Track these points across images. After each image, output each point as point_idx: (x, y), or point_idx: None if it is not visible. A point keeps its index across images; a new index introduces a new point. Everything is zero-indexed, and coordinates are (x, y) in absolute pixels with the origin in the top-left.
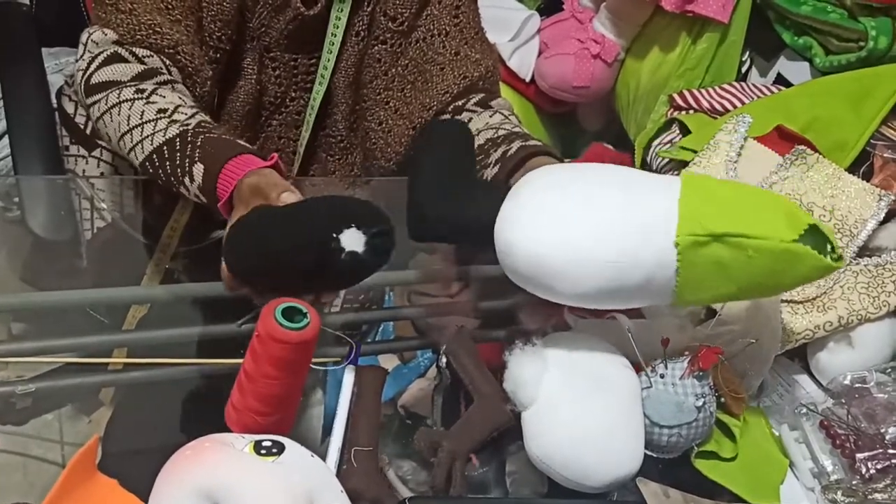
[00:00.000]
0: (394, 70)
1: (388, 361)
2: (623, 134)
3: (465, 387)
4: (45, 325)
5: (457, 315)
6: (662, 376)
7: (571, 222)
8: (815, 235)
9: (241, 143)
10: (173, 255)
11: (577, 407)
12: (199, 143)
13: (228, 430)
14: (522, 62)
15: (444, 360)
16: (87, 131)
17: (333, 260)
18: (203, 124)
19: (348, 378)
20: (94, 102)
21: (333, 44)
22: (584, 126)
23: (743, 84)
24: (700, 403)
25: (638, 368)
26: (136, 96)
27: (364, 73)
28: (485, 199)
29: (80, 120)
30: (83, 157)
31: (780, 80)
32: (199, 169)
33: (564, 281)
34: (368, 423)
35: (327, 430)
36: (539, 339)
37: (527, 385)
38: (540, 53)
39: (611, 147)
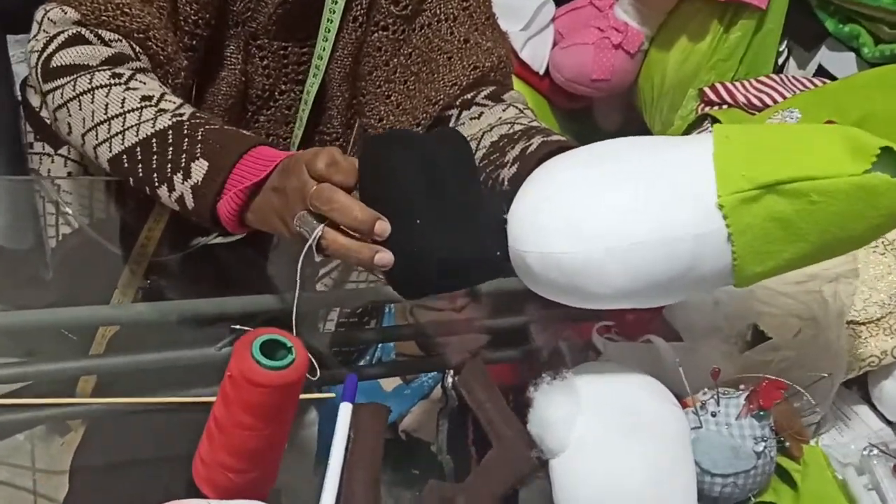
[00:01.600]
0: (395, 60)
1: (390, 380)
2: (642, 132)
3: (482, 427)
4: (2, 344)
5: (464, 332)
6: (714, 415)
7: (585, 206)
8: (891, 161)
9: (251, 134)
10: (149, 265)
11: (617, 454)
12: (198, 136)
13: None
14: (536, 53)
15: (450, 380)
16: (55, 126)
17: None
18: (198, 115)
19: (344, 417)
20: (56, 88)
21: (329, 30)
22: (600, 123)
23: (783, 76)
24: (760, 448)
25: (683, 404)
26: (112, 81)
27: (362, 63)
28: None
29: (45, 113)
30: (48, 155)
31: (821, 73)
32: (199, 165)
33: (590, 278)
34: (366, 476)
35: (323, 457)
36: (569, 371)
37: (557, 428)
38: (555, 44)
39: None
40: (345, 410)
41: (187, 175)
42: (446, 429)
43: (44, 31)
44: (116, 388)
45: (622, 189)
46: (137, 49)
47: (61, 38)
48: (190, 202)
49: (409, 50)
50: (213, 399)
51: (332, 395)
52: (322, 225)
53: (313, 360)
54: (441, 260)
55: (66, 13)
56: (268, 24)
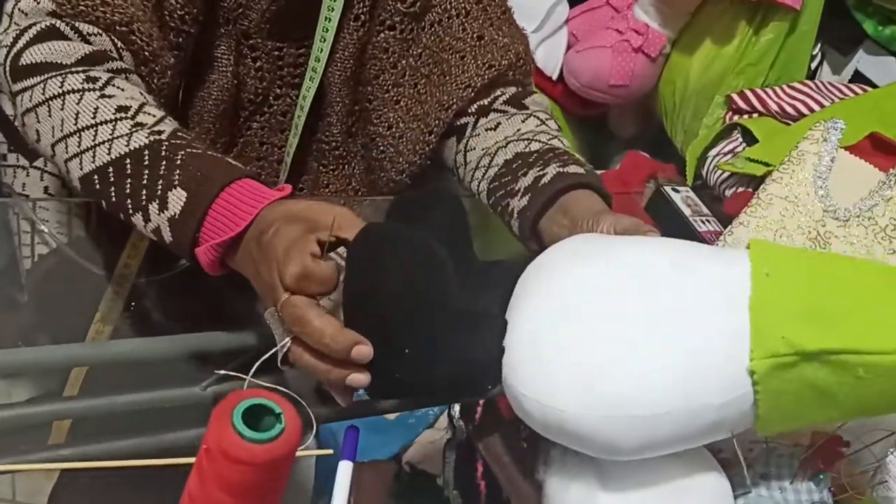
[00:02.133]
0: (404, 62)
1: None
2: (660, 141)
3: (502, 488)
4: None
5: None
6: (764, 477)
7: (604, 360)
8: None
9: (237, 164)
10: (132, 286)
11: None
12: (177, 161)
13: None
14: (549, 57)
15: (456, 409)
16: None
17: None
18: (179, 133)
19: (343, 477)
20: (25, 90)
21: (328, 30)
22: (616, 132)
23: (818, 82)
24: None
25: (726, 465)
26: (86, 86)
27: (368, 66)
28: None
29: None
30: (23, 167)
31: (858, 78)
32: (177, 196)
33: (597, 442)
34: None
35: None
36: None
37: None
38: (569, 47)
39: (647, 156)
40: (345, 471)
41: (164, 206)
42: (453, 461)
43: (14, 23)
44: (92, 428)
45: (649, 345)
46: (119, 44)
47: (33, 32)
48: (167, 236)
49: (419, 50)
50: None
51: (330, 451)
52: (288, 339)
53: (311, 413)
54: (425, 388)
55: (38, 3)
56: (261, 23)
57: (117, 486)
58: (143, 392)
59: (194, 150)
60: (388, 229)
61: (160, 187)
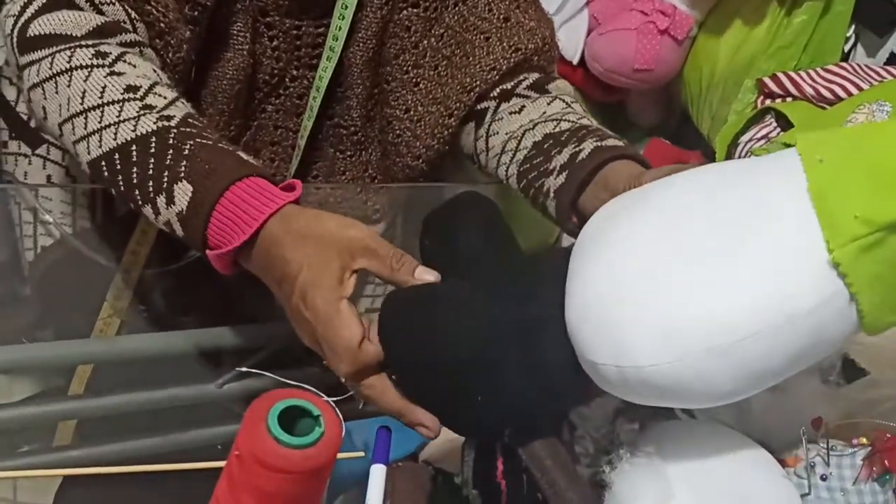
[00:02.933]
0: (426, 42)
1: None
2: (682, 127)
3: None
4: None
5: None
6: (824, 478)
7: (669, 301)
8: None
9: (246, 157)
10: (140, 278)
11: None
12: (185, 151)
13: None
14: (569, 41)
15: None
16: (32, 123)
17: None
18: (190, 120)
19: (377, 482)
20: (32, 63)
21: (346, 6)
22: (634, 119)
23: (855, 64)
24: None
25: (783, 464)
26: (94, 62)
27: (388, 45)
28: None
29: (22, 109)
30: (25, 155)
31: (894, 60)
32: (182, 189)
33: (687, 389)
34: None
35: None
36: (648, 439)
37: None
38: (591, 30)
39: (670, 143)
40: (378, 475)
41: (171, 200)
42: (472, 459)
43: None
44: (99, 427)
45: (713, 270)
46: (133, 15)
47: (41, 0)
48: (179, 230)
49: (441, 30)
50: (218, 465)
51: (362, 453)
52: None
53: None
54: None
55: None
56: (279, 0)
57: (126, 487)
58: (155, 390)
59: (204, 141)
60: (410, 296)
61: (166, 179)
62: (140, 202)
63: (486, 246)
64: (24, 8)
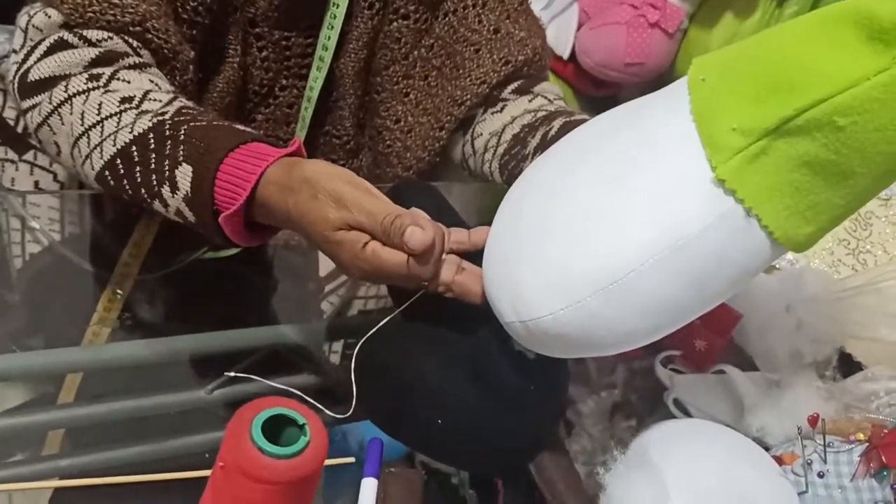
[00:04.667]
0: (416, 52)
1: None
2: None
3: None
4: None
5: None
6: (822, 475)
7: (554, 246)
8: None
9: (243, 127)
10: (132, 285)
11: None
12: (181, 136)
13: None
14: (559, 36)
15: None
16: (19, 129)
17: None
18: (185, 111)
19: (368, 495)
20: (34, 106)
21: (335, 17)
22: None
23: None
24: None
25: (779, 461)
26: (90, 85)
27: (378, 56)
28: None
29: (9, 115)
30: (12, 161)
31: None
32: (183, 172)
33: (592, 333)
34: None
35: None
36: (643, 438)
37: None
38: (580, 25)
39: None
40: (369, 489)
41: (174, 186)
42: None
43: (29, 39)
44: (89, 436)
45: (598, 210)
46: (136, 45)
47: (43, 48)
48: (190, 216)
49: (431, 41)
50: (203, 474)
51: (351, 459)
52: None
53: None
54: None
55: (49, 17)
56: (268, 10)
57: (117, 495)
58: (145, 397)
59: (198, 123)
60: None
61: (167, 167)
62: (149, 199)
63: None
64: (27, 56)
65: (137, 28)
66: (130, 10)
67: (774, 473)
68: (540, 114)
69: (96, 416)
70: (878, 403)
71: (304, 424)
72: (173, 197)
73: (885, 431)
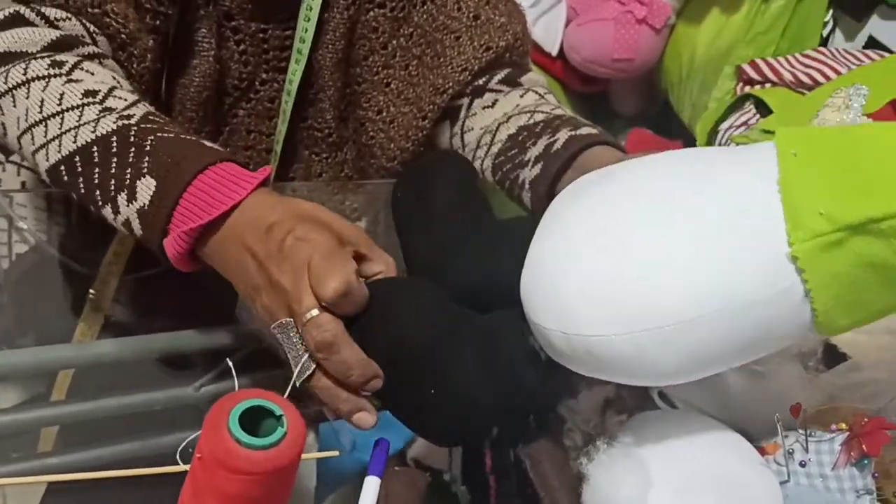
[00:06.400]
0: (395, 42)
1: None
2: (664, 116)
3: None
4: None
5: None
6: (803, 464)
7: (618, 274)
8: None
9: (212, 145)
10: (119, 284)
11: None
12: (147, 147)
13: None
14: (548, 32)
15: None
16: None
17: None
18: (151, 117)
19: (370, 490)
20: None
21: (311, 8)
22: (617, 108)
23: (833, 50)
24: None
25: (762, 451)
26: (51, 71)
27: (356, 47)
28: None
29: None
30: None
31: (873, 44)
32: (145, 185)
33: (631, 364)
34: None
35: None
36: (626, 429)
37: None
38: (568, 21)
39: (652, 133)
40: (372, 487)
41: (132, 196)
42: (460, 456)
43: None
44: (82, 434)
45: (666, 249)
46: (92, 28)
47: None
48: (137, 229)
49: (411, 30)
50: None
51: (336, 452)
52: (313, 367)
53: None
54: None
55: None
56: (243, 3)
57: (110, 491)
58: (133, 394)
59: (165, 135)
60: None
61: (128, 176)
62: (100, 203)
63: (461, 204)
64: None
65: (96, 10)
66: None
67: (756, 463)
68: (537, 116)
69: (80, 414)
70: (864, 393)
71: (281, 416)
72: (127, 206)
73: (866, 419)
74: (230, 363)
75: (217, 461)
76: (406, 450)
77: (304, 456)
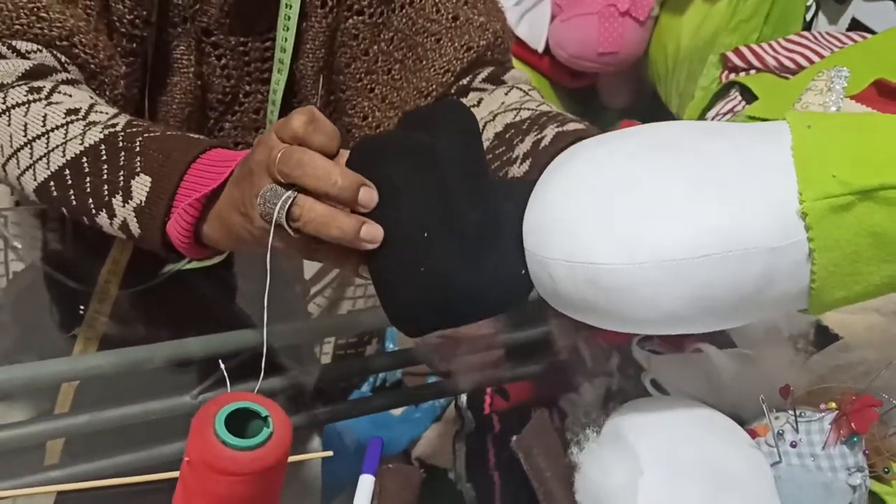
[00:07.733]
0: (375, 47)
1: None
2: (654, 108)
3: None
4: None
5: (479, 348)
6: (794, 445)
7: (635, 205)
8: None
9: (198, 136)
10: (115, 299)
11: None
12: (136, 147)
13: None
14: (533, 29)
15: (464, 399)
16: None
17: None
18: (135, 122)
19: (365, 488)
20: None
21: (290, 17)
22: (606, 102)
23: (816, 33)
24: (857, 481)
25: (752, 433)
26: (30, 97)
27: (338, 54)
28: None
29: None
30: None
31: (856, 26)
32: (141, 182)
33: (635, 299)
34: None
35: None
36: (615, 416)
37: (617, 499)
38: (553, 17)
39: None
40: (366, 485)
41: (128, 196)
42: (464, 453)
43: None
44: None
45: (684, 190)
46: (64, 59)
47: None
48: (135, 228)
49: (391, 34)
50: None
51: (330, 453)
52: (292, 191)
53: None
54: (456, 282)
55: None
56: (220, 18)
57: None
58: (133, 405)
59: (152, 134)
60: (381, 139)
61: (122, 178)
62: (93, 211)
63: (462, 149)
64: None
65: (65, 43)
66: (58, 24)
67: (746, 445)
68: (524, 113)
69: (86, 426)
70: (855, 373)
71: (266, 416)
72: (123, 207)
73: (854, 397)
74: (223, 367)
75: (205, 463)
76: (409, 450)
77: (300, 457)
